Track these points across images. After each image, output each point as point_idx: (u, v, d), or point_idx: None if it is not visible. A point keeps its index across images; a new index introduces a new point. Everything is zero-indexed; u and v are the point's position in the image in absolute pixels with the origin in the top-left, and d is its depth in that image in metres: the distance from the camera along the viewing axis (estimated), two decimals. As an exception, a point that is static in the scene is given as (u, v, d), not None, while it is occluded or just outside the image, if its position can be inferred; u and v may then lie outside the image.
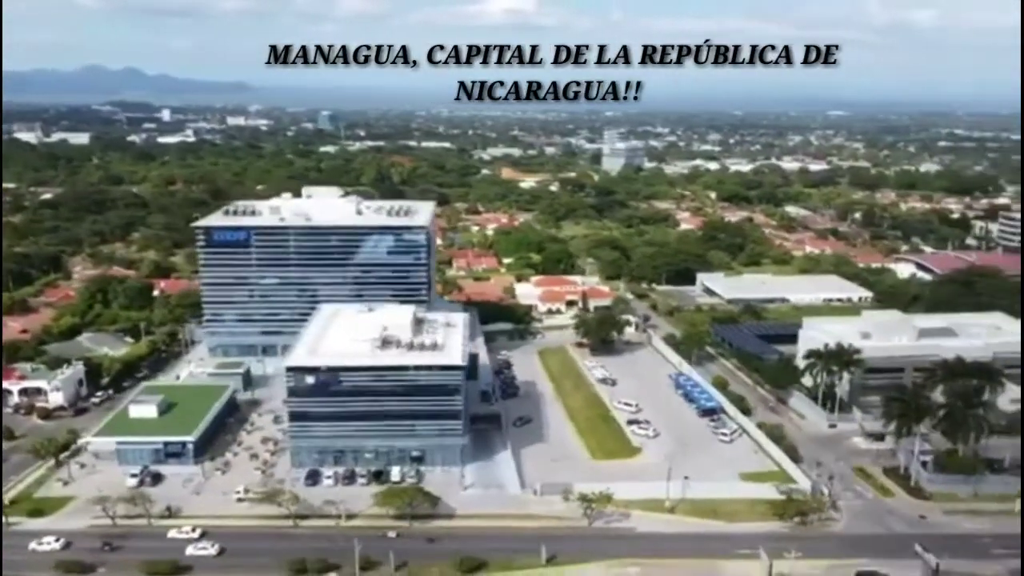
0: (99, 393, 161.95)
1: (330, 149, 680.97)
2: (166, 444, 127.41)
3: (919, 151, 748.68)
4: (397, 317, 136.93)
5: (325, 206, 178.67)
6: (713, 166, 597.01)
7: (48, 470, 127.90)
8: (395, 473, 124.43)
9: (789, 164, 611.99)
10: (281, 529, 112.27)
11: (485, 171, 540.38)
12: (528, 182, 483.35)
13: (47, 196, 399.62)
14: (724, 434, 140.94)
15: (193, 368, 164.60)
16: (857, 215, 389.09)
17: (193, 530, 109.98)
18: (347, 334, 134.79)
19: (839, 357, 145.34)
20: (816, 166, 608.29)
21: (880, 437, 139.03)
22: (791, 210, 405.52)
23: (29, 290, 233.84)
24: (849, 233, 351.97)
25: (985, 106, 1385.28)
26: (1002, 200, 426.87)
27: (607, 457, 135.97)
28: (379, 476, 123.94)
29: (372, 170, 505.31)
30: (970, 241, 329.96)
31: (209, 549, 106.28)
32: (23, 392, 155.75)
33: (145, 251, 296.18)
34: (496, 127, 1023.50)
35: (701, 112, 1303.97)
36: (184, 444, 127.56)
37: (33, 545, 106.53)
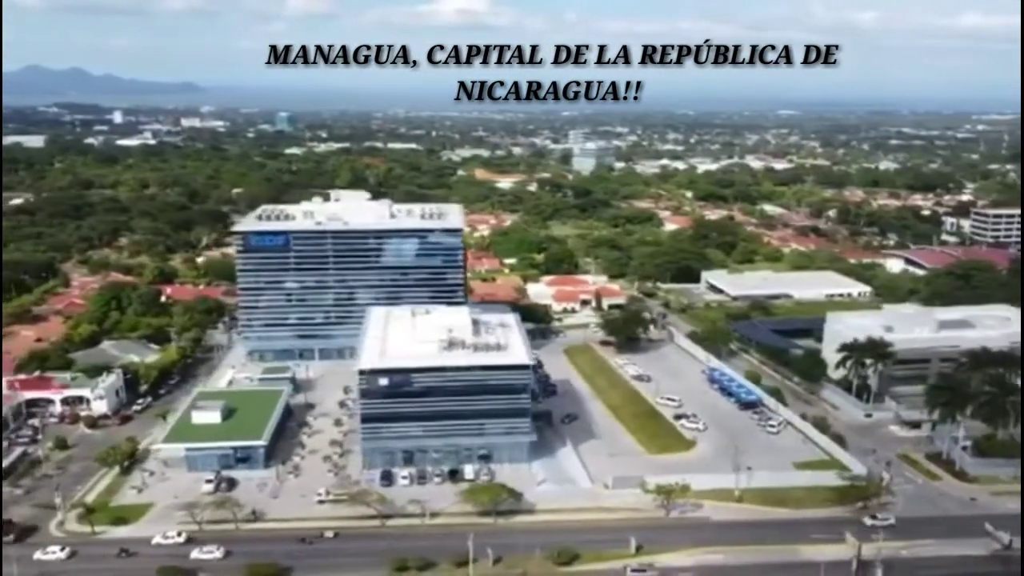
0: (139, 401, 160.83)
1: (296, 151, 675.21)
2: (236, 449, 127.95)
3: (873, 149, 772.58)
4: (456, 318, 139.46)
5: (358, 209, 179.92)
6: (680, 166, 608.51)
7: (114, 478, 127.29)
8: (469, 471, 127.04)
9: (754, 163, 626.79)
10: (367, 529, 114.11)
11: (460, 172, 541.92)
12: (504, 183, 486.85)
13: (17, 201, 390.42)
14: (772, 426, 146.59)
15: (236, 374, 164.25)
16: (831, 213, 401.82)
17: (179, 535, 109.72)
18: (408, 336, 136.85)
19: (874, 349, 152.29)
20: (779, 165, 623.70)
21: (916, 425, 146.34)
22: (767, 208, 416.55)
23: (29, 298, 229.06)
24: (828, 230, 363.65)
25: (928, 105, 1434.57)
26: (965, 197, 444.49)
27: (662, 451, 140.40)
28: (454, 475, 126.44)
29: (347, 172, 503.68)
30: (945, 237, 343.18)
31: (215, 552, 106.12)
32: (65, 401, 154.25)
33: (136, 256, 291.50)
34: (456, 128, 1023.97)
35: (655, 112, 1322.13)
36: (255, 449, 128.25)
37: (38, 555, 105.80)
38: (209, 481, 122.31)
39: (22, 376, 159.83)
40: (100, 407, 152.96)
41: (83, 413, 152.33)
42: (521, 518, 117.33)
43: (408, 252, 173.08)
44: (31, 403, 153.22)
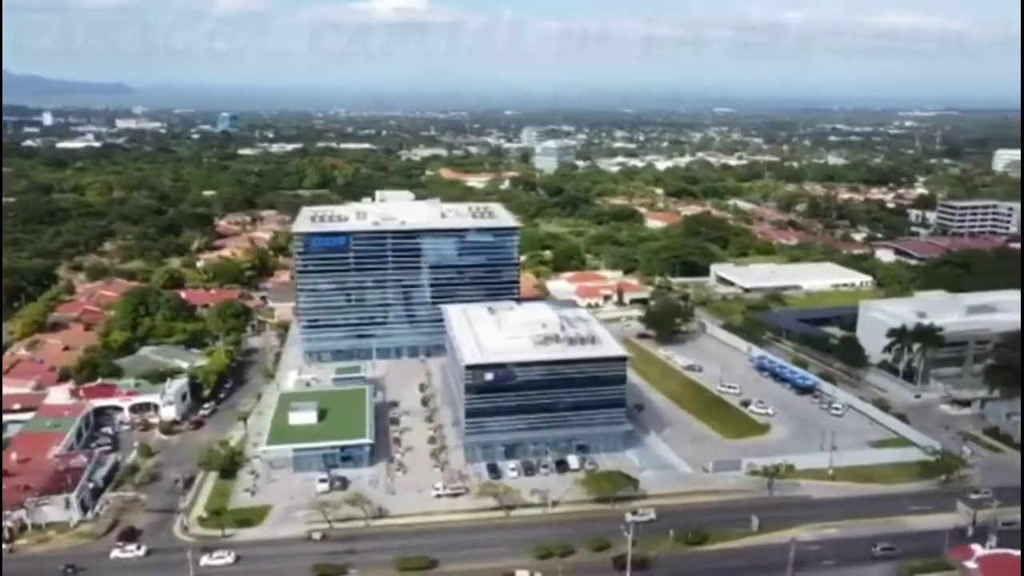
0: (205, 405, 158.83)
1: (250, 151, 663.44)
2: (342, 448, 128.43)
3: (815, 145, 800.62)
4: (543, 314, 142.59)
5: (409, 209, 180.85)
6: (638, 163, 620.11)
7: (216, 482, 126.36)
8: (573, 461, 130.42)
9: (709, 159, 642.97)
10: (495, 520, 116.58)
11: (428, 172, 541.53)
12: (474, 182, 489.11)
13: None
14: (836, 408, 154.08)
15: (302, 375, 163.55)
16: (799, 207, 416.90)
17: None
18: (496, 333, 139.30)
19: (923, 335, 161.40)
20: (732, 161, 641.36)
21: (965, 403, 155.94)
22: (739, 204, 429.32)
23: (37, 307, 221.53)
24: (803, 224, 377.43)
25: (855, 102, 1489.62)
26: (919, 190, 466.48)
27: (739, 436, 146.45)
28: (560, 465, 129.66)
29: (314, 173, 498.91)
30: (913, 229, 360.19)
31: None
32: (133, 408, 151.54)
33: (128, 261, 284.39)
34: (404, 127, 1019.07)
35: (597, 111, 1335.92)
36: (361, 447, 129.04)
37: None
38: (323, 480, 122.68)
39: (84, 384, 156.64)
40: (169, 413, 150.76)
41: (152, 420, 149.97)
42: (636, 503, 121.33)
43: (465, 251, 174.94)
44: (98, 411, 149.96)
